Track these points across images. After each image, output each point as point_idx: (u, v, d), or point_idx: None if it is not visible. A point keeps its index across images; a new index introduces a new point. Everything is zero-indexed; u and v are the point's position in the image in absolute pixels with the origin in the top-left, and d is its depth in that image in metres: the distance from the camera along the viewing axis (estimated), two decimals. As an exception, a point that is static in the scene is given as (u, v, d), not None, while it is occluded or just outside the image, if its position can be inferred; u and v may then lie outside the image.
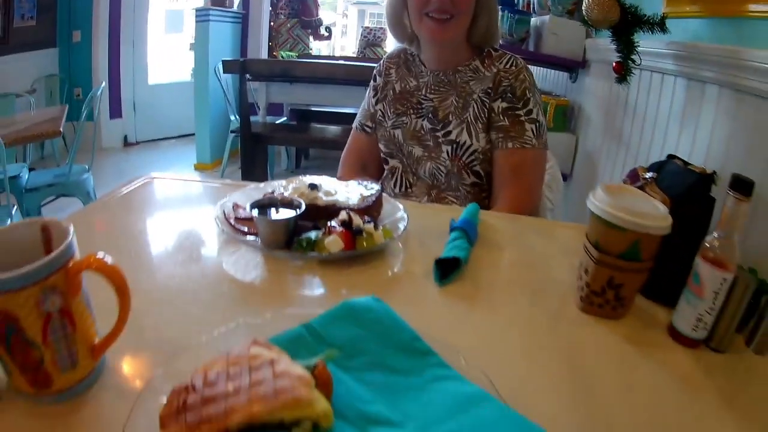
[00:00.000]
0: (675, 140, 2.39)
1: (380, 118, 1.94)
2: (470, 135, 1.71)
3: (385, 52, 6.78)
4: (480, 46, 1.80)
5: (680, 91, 2.38)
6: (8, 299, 0.69)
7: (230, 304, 1.06)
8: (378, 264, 1.21)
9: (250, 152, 5.33)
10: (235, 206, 1.37)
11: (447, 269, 1.12)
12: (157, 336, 0.94)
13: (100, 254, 0.77)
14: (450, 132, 1.74)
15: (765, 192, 1.48)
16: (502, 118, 1.68)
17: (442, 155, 1.76)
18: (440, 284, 1.10)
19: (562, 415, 0.74)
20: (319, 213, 1.30)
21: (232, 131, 6.07)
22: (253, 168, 5.33)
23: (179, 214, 1.51)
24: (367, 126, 1.99)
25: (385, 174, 1.99)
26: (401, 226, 1.29)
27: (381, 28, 8.28)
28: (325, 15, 8.29)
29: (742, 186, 0.83)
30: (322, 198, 1.34)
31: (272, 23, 7.55)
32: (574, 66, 3.77)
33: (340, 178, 1.49)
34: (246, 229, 1.27)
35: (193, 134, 6.82)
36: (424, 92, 1.84)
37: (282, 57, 7.07)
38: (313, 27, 7.82)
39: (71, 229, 0.78)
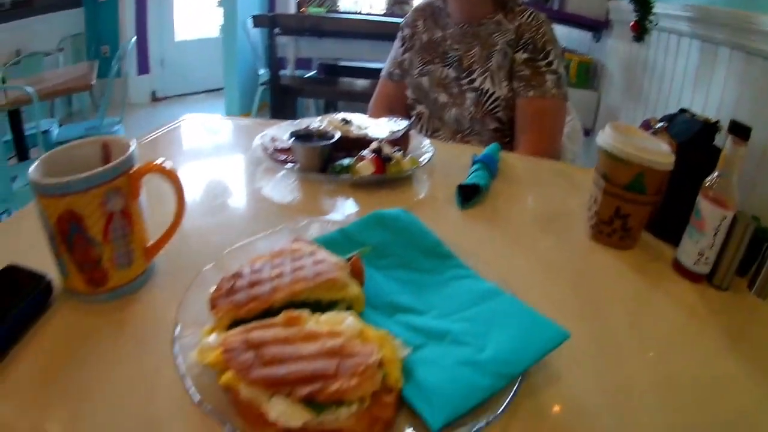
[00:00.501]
0: (689, 98, 2.48)
1: (407, 66, 2.05)
2: (493, 83, 1.81)
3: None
4: (503, 0, 1.89)
5: (694, 53, 2.48)
6: (75, 200, 0.77)
7: (270, 218, 1.19)
8: (405, 189, 1.33)
9: (280, 104, 5.44)
10: (273, 139, 1.51)
11: (468, 195, 1.23)
12: (203, 244, 1.05)
13: (159, 160, 0.89)
14: (474, 80, 1.84)
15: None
16: (523, 68, 1.77)
17: (466, 102, 1.86)
18: (461, 208, 1.21)
19: (571, 331, 0.73)
20: (351, 144, 1.42)
21: (261, 84, 6.15)
22: (282, 120, 5.37)
23: (218, 148, 1.64)
24: (395, 74, 2.09)
25: (411, 119, 2.07)
26: (426, 157, 1.41)
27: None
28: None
29: (739, 130, 0.88)
30: (354, 131, 1.47)
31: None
32: (597, 26, 3.83)
33: None
34: (284, 158, 1.40)
35: (221, 89, 6.83)
36: (449, 43, 1.93)
37: (310, 13, 7.05)
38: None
39: (133, 142, 0.89)
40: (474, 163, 1.34)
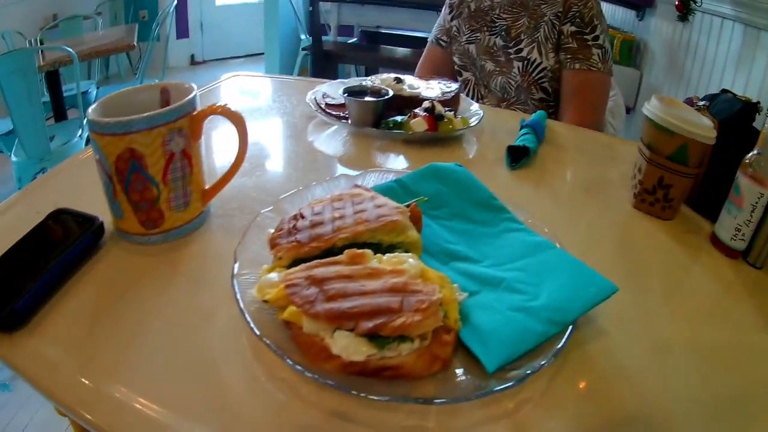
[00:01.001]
0: (730, 80, 2.53)
1: (455, 33, 2.05)
2: (540, 53, 1.82)
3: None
4: None
5: (737, 36, 2.51)
6: (137, 138, 0.80)
7: (323, 170, 1.23)
8: (455, 148, 1.35)
9: (321, 70, 5.47)
10: (324, 95, 1.53)
11: (517, 157, 1.25)
12: (257, 190, 1.08)
13: (222, 103, 0.91)
14: (521, 50, 1.85)
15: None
16: (570, 40, 1.78)
17: (513, 71, 1.87)
18: (510, 168, 1.23)
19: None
20: (403, 102, 1.44)
21: (303, 49, 6.16)
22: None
23: (267, 104, 1.65)
24: (442, 40, 2.11)
25: (459, 84, 2.07)
26: (476, 119, 1.43)
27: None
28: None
29: (779, 109, 0.89)
30: (407, 90, 1.49)
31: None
32: (641, 4, 3.82)
33: None
34: (336, 113, 1.43)
35: (261, 54, 6.86)
36: (497, 12, 1.92)
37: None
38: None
39: (195, 86, 0.91)
40: (523, 127, 1.36)
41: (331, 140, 1.36)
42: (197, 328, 0.75)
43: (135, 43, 4.30)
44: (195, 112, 0.88)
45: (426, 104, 1.37)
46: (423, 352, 0.63)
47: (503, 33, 1.88)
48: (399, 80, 1.53)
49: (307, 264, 0.70)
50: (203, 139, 0.92)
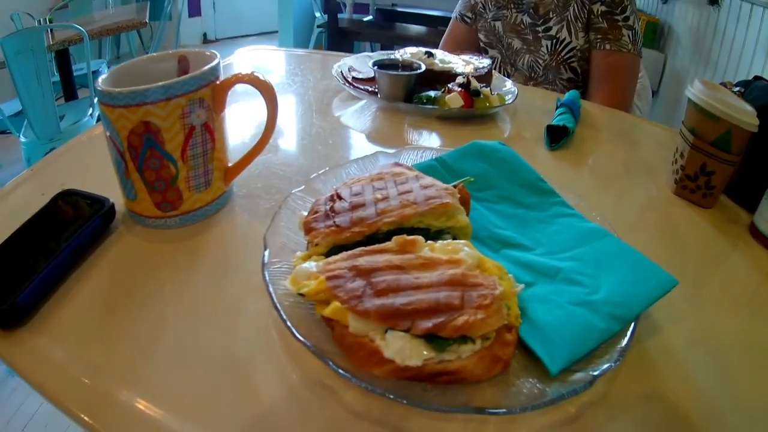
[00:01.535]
0: (760, 67, 2.50)
1: (480, 9, 2.00)
2: (570, 33, 1.79)
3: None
4: None
5: None
6: (153, 110, 0.72)
7: (355, 145, 1.17)
8: (491, 126, 1.29)
9: (336, 48, 5.41)
10: (351, 68, 1.47)
11: (556, 137, 1.21)
12: (285, 168, 1.02)
13: (250, 70, 0.83)
14: (550, 28, 1.82)
15: None
16: (600, 20, 1.75)
17: (541, 49, 1.86)
18: (550, 148, 1.19)
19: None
20: (435, 77, 1.38)
21: (318, 26, 6.13)
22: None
23: (289, 78, 1.58)
24: (467, 17, 2.06)
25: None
26: (512, 96, 1.36)
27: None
28: None
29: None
30: (438, 64, 1.42)
31: None
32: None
33: None
34: (364, 87, 1.37)
35: (274, 31, 6.81)
36: None
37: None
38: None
39: (217, 54, 0.84)
40: (560, 106, 1.32)
41: (359, 115, 1.30)
42: (221, 324, 0.67)
43: (147, 20, 4.24)
44: (218, 81, 0.80)
45: (460, 79, 1.30)
46: (484, 354, 0.55)
47: (531, 10, 1.83)
48: (430, 54, 1.46)
49: (350, 252, 0.61)
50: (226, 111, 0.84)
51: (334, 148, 1.14)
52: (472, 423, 0.56)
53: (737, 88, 1.14)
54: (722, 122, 0.95)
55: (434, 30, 5.33)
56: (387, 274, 0.57)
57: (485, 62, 1.47)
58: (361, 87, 1.36)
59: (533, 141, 1.23)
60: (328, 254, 0.65)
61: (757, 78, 1.19)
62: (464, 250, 0.62)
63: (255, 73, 0.83)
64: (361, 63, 1.49)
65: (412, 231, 0.67)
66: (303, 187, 0.84)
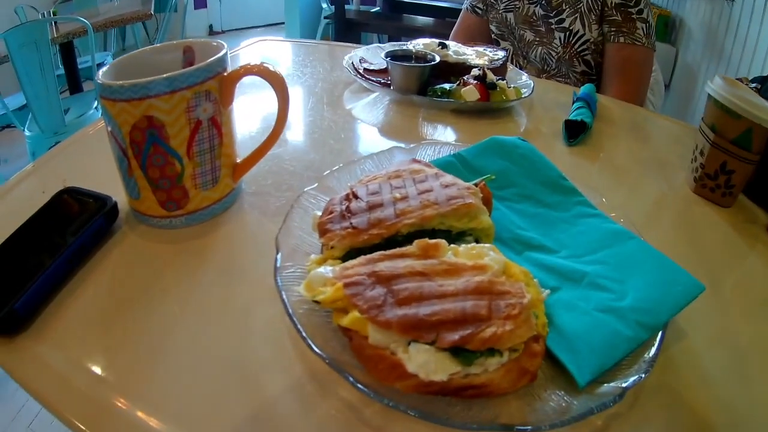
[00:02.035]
0: None
1: (492, 0, 1.98)
2: (583, 25, 1.76)
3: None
4: None
5: None
6: (156, 104, 0.69)
7: (369, 140, 1.14)
8: (507, 121, 1.26)
9: (343, 39, 5.39)
10: (362, 60, 1.43)
11: (574, 132, 1.18)
12: (295, 164, 0.99)
13: (260, 61, 0.80)
14: (563, 20, 1.79)
15: None
16: (614, 12, 1.72)
17: (554, 41, 1.83)
18: (568, 144, 1.16)
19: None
20: (449, 69, 1.35)
21: (325, 17, 6.13)
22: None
23: (297, 69, 1.55)
24: (478, 8, 2.03)
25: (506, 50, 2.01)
26: (528, 90, 1.33)
27: None
28: None
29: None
30: (452, 56, 1.39)
31: None
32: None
33: None
34: (376, 79, 1.33)
35: (281, 23, 6.85)
36: None
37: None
38: None
39: (225, 44, 0.80)
40: (576, 100, 1.29)
41: (371, 108, 1.27)
42: (230, 331, 0.64)
43: (152, 12, 4.23)
44: (226, 73, 0.76)
45: (476, 71, 1.27)
46: (511, 367, 0.52)
47: (543, 2, 1.81)
48: (443, 45, 1.42)
49: (369, 256, 0.58)
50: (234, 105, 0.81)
51: (346, 142, 1.11)
52: (497, 437, 0.53)
53: (754, 84, 1.12)
54: (743, 120, 0.92)
55: (442, 21, 5.32)
56: (409, 281, 0.53)
57: (500, 54, 1.44)
58: (373, 79, 1.32)
59: (551, 136, 1.20)
60: (344, 258, 0.61)
61: (773, 74, 1.17)
62: (489, 254, 0.59)
63: (265, 64, 0.79)
64: (373, 54, 1.46)
65: (432, 232, 0.64)
66: (316, 184, 0.81)
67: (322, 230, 0.65)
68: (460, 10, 2.08)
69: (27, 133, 3.23)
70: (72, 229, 0.72)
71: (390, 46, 1.46)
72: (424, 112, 1.25)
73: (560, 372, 0.58)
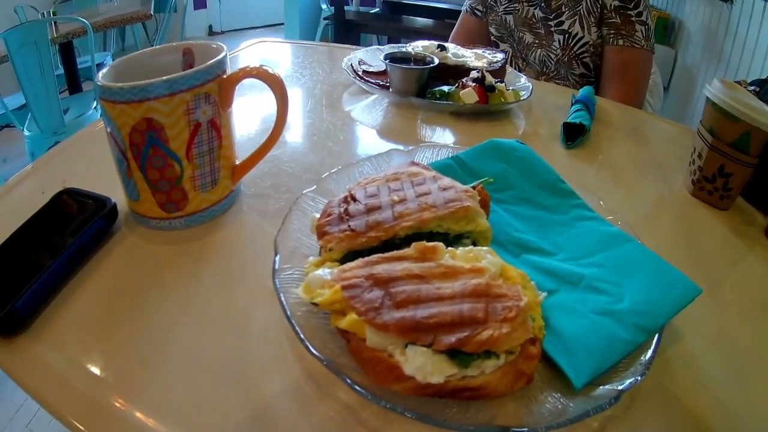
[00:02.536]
0: None
1: (491, 2, 1.98)
2: (582, 27, 1.77)
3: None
4: None
5: None
6: (156, 106, 0.69)
7: (367, 142, 1.15)
8: (506, 123, 1.26)
9: (342, 40, 5.40)
10: (361, 62, 1.44)
11: (573, 134, 1.18)
12: (294, 166, 0.99)
13: (258, 64, 0.81)
14: (562, 22, 1.80)
15: None
16: (613, 15, 1.72)
17: (553, 44, 1.84)
18: (566, 146, 1.16)
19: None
20: (448, 71, 1.35)
21: (324, 18, 6.14)
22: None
23: (296, 71, 1.55)
24: (478, 10, 2.04)
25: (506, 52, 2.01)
26: (527, 92, 1.34)
27: None
28: None
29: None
30: (451, 58, 1.39)
31: None
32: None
33: None
34: (375, 81, 1.34)
35: (280, 24, 6.86)
36: None
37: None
38: None
39: (224, 46, 0.81)
40: (575, 102, 1.29)
41: (370, 110, 1.27)
42: (229, 332, 0.64)
43: (152, 12, 4.23)
44: (225, 75, 0.76)
45: (474, 74, 1.27)
46: (508, 369, 0.52)
47: (542, 4, 1.81)
48: (442, 47, 1.42)
49: (367, 259, 0.58)
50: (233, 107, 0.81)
51: (345, 144, 1.11)
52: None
53: (752, 87, 1.12)
54: (741, 123, 0.93)
55: (441, 23, 5.31)
56: (406, 283, 0.54)
57: (499, 56, 1.44)
58: (372, 81, 1.33)
59: (549, 138, 1.20)
60: (342, 260, 0.62)
61: (773, 77, 1.18)
62: (487, 257, 0.59)
63: (264, 67, 0.79)
64: (372, 56, 1.46)
65: (430, 235, 0.64)
66: (314, 187, 0.81)
67: (321, 232, 0.65)
68: (460, 11, 2.08)
69: (26, 132, 3.23)
70: (71, 229, 0.72)
71: (389, 48, 1.46)
72: (423, 115, 1.25)
73: (557, 374, 0.58)
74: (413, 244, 0.58)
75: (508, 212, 0.83)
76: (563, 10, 1.77)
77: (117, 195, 0.79)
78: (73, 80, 3.99)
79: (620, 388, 0.55)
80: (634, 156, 1.19)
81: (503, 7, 1.91)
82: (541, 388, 0.57)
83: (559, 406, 0.55)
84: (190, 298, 0.69)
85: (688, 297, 0.66)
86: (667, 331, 0.65)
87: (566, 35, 1.78)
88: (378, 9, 6.36)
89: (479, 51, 1.48)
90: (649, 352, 0.60)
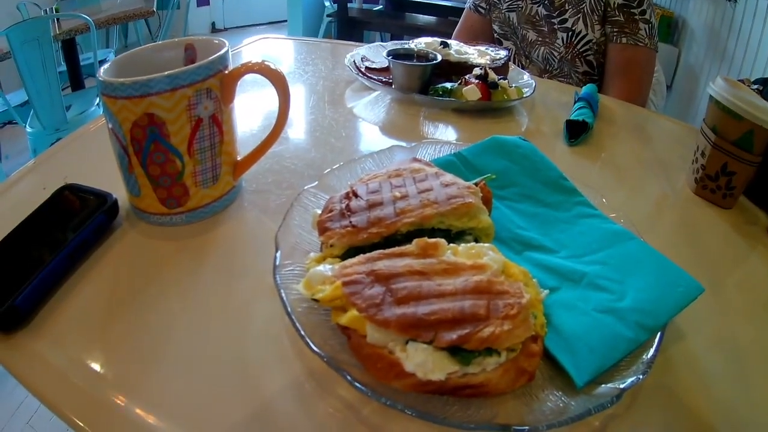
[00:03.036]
0: None
1: (495, 0, 1.96)
2: (586, 25, 1.76)
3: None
4: None
5: None
6: (157, 101, 0.69)
7: (370, 139, 1.15)
8: (508, 120, 1.26)
9: (345, 37, 5.42)
10: (364, 58, 1.44)
11: (576, 132, 1.18)
12: (296, 162, 0.99)
13: (260, 59, 0.80)
14: (566, 20, 1.79)
15: None
16: (617, 13, 1.72)
17: (556, 42, 1.83)
18: (569, 144, 1.16)
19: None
20: (451, 68, 1.35)
21: (327, 15, 6.15)
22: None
23: (299, 68, 1.55)
24: (481, 7, 2.03)
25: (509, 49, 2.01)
26: (530, 89, 1.33)
27: None
28: None
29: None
30: (454, 55, 1.39)
31: None
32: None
33: None
34: (378, 78, 1.34)
35: (283, 21, 6.87)
36: None
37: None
38: None
39: (226, 42, 0.80)
40: (578, 100, 1.29)
41: (373, 107, 1.27)
42: (229, 328, 0.64)
43: (154, 9, 4.23)
44: (227, 71, 0.76)
45: (477, 71, 1.27)
46: (509, 367, 0.52)
47: (546, 2, 1.81)
48: (445, 44, 1.42)
49: (368, 255, 0.58)
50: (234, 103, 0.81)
51: (347, 140, 1.11)
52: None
53: (756, 86, 1.11)
54: (745, 122, 0.92)
55: (445, 20, 5.31)
56: (408, 280, 0.54)
57: (502, 53, 1.44)
58: (375, 77, 1.33)
59: (551, 135, 1.20)
60: (343, 256, 0.62)
61: (777, 76, 1.17)
62: (488, 254, 0.59)
63: (266, 62, 0.79)
64: (374, 53, 1.46)
65: (432, 232, 0.64)
66: (316, 182, 0.81)
67: (322, 228, 0.65)
68: (463, 8, 2.08)
69: (28, 129, 3.23)
70: (72, 225, 0.72)
71: (392, 45, 1.46)
72: (426, 111, 1.25)
73: (558, 372, 0.58)
74: (415, 240, 0.58)
75: (510, 209, 0.83)
76: (567, 7, 1.76)
77: (118, 191, 0.79)
78: (76, 77, 3.99)
79: (622, 386, 0.55)
80: (636, 154, 1.18)
81: (507, 4, 1.90)
82: (543, 386, 0.57)
83: (561, 405, 0.54)
84: (190, 293, 0.69)
85: (690, 295, 0.65)
86: (669, 329, 0.65)
87: (569, 33, 1.77)
88: (381, 6, 6.38)
89: (482, 48, 1.48)
90: (651, 351, 0.59)
